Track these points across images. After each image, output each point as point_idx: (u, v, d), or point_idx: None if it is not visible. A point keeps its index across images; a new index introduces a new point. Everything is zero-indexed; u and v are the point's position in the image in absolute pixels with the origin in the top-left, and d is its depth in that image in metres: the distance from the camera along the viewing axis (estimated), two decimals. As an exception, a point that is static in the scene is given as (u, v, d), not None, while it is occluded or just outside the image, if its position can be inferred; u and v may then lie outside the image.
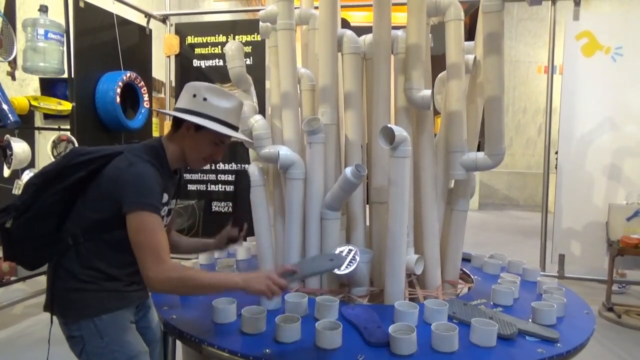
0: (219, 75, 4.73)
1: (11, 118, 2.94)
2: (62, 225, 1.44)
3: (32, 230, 1.42)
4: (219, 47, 4.75)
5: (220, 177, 4.83)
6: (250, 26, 4.74)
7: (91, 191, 1.42)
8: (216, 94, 1.46)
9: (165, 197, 1.47)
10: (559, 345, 1.45)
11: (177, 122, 1.49)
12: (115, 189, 1.35)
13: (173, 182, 1.55)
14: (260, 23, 2.19)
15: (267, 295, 1.36)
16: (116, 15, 4.10)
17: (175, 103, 1.57)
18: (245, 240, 1.81)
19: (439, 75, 2.23)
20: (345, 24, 2.46)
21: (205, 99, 1.44)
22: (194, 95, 1.45)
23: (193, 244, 1.83)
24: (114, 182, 1.36)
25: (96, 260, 1.41)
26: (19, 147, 3.13)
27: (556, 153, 4.41)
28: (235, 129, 1.50)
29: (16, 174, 3.22)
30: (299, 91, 2.13)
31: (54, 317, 1.47)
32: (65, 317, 1.44)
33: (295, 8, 2.08)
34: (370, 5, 1.99)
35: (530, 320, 1.60)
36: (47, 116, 3.63)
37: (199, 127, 1.44)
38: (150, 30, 4.71)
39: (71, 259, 1.42)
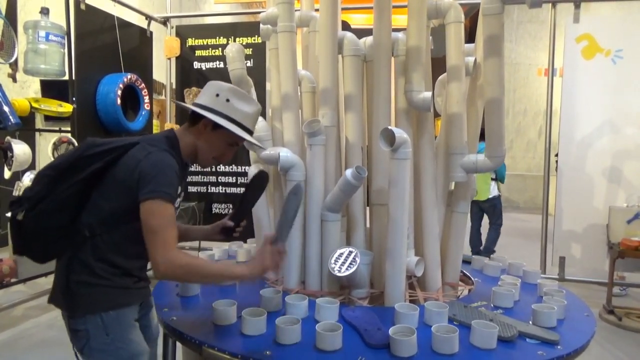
0: (220, 78, 4.67)
1: (12, 120, 2.95)
2: (77, 217, 1.43)
3: (46, 222, 1.41)
4: (220, 49, 4.76)
5: (220, 179, 4.83)
6: (250, 28, 4.75)
7: (108, 182, 1.41)
8: (238, 96, 1.49)
9: (179, 188, 1.48)
10: (559, 347, 1.45)
11: (195, 118, 1.50)
12: (133, 178, 1.35)
13: (184, 173, 1.56)
14: (261, 25, 2.20)
15: (276, 270, 1.45)
16: (117, 17, 4.11)
17: (176, 106, 1.58)
18: (239, 237, 1.80)
19: (439, 78, 2.23)
20: (345, 26, 2.46)
21: (228, 100, 1.46)
22: (217, 95, 1.47)
23: (193, 232, 1.84)
24: (132, 172, 1.36)
25: (111, 253, 1.41)
26: (20, 149, 3.13)
27: (556, 155, 4.42)
28: (251, 133, 1.53)
29: (17, 176, 3.23)
30: (299, 93, 2.13)
31: (61, 312, 1.47)
32: (73, 311, 1.43)
33: (296, 10, 2.09)
34: (371, 8, 2.00)
35: (530, 322, 1.60)
36: (47, 118, 3.64)
37: (216, 126, 1.46)
38: (151, 33, 4.72)
39: (87, 252, 1.41)
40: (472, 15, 6.18)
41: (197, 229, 1.86)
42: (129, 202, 1.35)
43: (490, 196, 5.18)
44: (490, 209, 5.23)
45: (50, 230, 1.42)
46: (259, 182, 1.76)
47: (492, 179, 5.18)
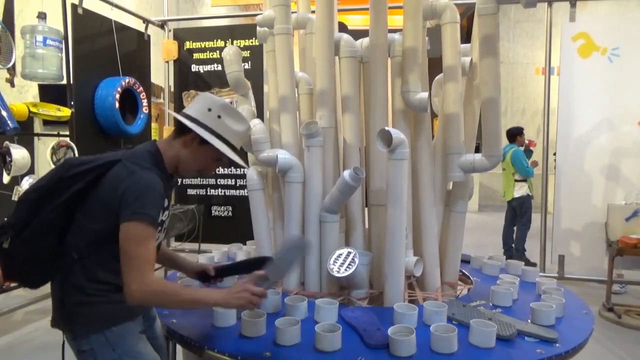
0: (218, 80, 4.75)
1: (10, 124, 2.95)
2: (64, 240, 1.40)
3: (32, 247, 1.38)
4: (217, 52, 4.77)
5: (219, 182, 4.84)
6: (248, 31, 4.76)
7: (91, 202, 1.38)
8: (230, 114, 1.45)
9: (166, 202, 1.45)
10: (557, 345, 1.45)
11: (182, 129, 1.46)
12: (116, 198, 1.32)
13: (170, 185, 1.53)
14: (258, 28, 2.20)
15: (249, 307, 1.36)
16: (114, 21, 4.12)
17: (174, 108, 1.55)
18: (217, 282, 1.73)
19: (436, 78, 2.24)
20: (342, 27, 2.47)
21: (219, 117, 1.43)
22: (209, 109, 1.43)
23: (177, 261, 1.75)
24: (115, 191, 1.33)
25: (102, 272, 1.39)
26: (19, 153, 3.13)
27: (555, 154, 4.43)
28: (237, 150, 1.49)
29: (15, 181, 3.23)
30: (296, 95, 2.14)
31: (65, 334, 1.45)
32: (75, 333, 1.41)
33: (293, 12, 2.10)
34: (367, 9, 2.00)
35: (529, 320, 1.61)
36: (46, 122, 3.64)
37: (204, 141, 1.42)
38: (149, 36, 4.72)
39: (77, 274, 1.38)
40: (469, 16, 6.20)
41: (180, 260, 1.77)
42: (114, 222, 1.32)
43: (516, 196, 5.33)
44: (517, 208, 5.37)
45: (38, 255, 1.39)
46: (260, 264, 1.67)
47: (517, 180, 5.31)
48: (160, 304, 1.41)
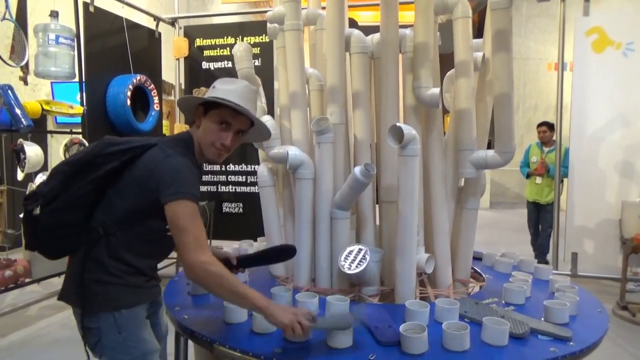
0: (228, 77, 4.75)
1: (24, 122, 2.99)
2: (91, 215, 1.45)
3: (61, 219, 1.42)
4: (228, 49, 4.78)
5: (230, 178, 4.85)
6: (258, 27, 4.76)
7: (124, 182, 1.42)
8: (224, 81, 1.50)
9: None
10: (571, 344, 1.43)
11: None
12: (152, 179, 1.36)
13: (199, 175, 1.56)
14: (268, 24, 2.20)
15: (287, 332, 1.33)
16: (126, 19, 4.14)
17: None
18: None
19: (448, 74, 2.22)
20: (352, 23, 2.46)
21: (214, 87, 1.48)
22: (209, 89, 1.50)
23: None
24: (151, 173, 1.37)
25: (124, 252, 1.42)
26: (32, 150, 3.17)
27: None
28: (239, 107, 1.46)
29: (29, 178, 3.27)
30: (307, 91, 2.13)
31: (73, 309, 1.48)
32: (86, 309, 1.44)
33: (303, 9, 2.09)
34: (378, 5, 1.99)
35: (542, 319, 1.59)
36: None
37: (206, 111, 1.47)
38: (160, 34, 4.75)
39: (100, 250, 1.42)
40: (480, 11, 6.14)
41: None
42: (144, 202, 1.37)
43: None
44: None
45: (65, 227, 1.44)
46: (285, 254, 1.76)
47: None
48: (213, 287, 1.36)
